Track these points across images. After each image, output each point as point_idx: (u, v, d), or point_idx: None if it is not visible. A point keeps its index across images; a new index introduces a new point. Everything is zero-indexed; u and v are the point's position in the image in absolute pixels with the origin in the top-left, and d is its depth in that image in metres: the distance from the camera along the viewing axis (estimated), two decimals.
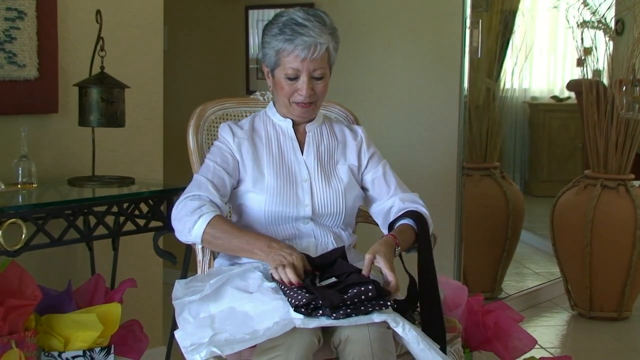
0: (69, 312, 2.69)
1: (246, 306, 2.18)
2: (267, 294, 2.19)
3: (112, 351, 2.71)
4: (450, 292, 2.74)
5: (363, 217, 2.68)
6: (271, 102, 2.56)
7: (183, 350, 2.12)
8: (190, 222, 2.30)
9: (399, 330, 2.10)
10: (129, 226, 2.92)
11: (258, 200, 2.40)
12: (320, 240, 2.42)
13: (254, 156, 2.44)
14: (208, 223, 2.28)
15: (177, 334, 2.18)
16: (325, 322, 2.09)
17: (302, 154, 2.48)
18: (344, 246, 2.37)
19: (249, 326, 2.10)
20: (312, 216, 2.42)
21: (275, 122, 2.51)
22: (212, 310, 2.22)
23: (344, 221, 2.48)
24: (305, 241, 2.41)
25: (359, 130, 2.60)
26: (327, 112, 2.70)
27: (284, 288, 2.15)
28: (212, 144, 2.66)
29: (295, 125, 2.50)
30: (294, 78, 2.38)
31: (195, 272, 2.50)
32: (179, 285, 2.41)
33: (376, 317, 2.10)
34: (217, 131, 2.64)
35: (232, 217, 2.56)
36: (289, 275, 2.13)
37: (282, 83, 2.40)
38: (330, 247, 2.40)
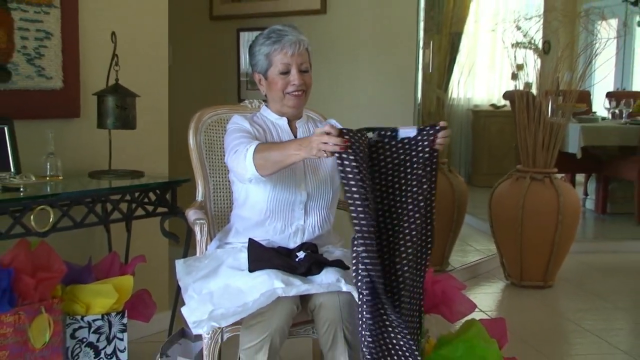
0: (89, 283, 2.69)
1: (239, 282, 2.18)
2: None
3: (125, 315, 2.71)
4: None
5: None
6: (264, 106, 2.52)
7: (189, 325, 2.11)
8: (242, 159, 2.21)
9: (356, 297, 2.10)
10: (140, 212, 2.92)
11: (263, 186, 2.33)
12: (308, 224, 2.37)
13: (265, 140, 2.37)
14: (254, 151, 2.18)
15: (184, 311, 2.15)
16: (302, 288, 2.11)
17: None
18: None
19: (241, 299, 2.10)
20: (307, 198, 2.35)
21: (273, 120, 2.46)
22: (211, 287, 2.20)
23: (331, 202, 2.43)
24: (295, 226, 2.36)
25: (332, 121, 2.53)
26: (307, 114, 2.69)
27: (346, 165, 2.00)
28: (210, 144, 2.65)
29: (288, 122, 2.46)
30: (286, 72, 2.35)
31: (195, 249, 2.50)
32: (179, 266, 2.38)
33: (344, 287, 2.14)
34: (214, 132, 2.65)
35: (234, 201, 2.47)
36: (332, 142, 1.99)
37: (276, 79, 2.37)
38: (317, 233, 2.38)
